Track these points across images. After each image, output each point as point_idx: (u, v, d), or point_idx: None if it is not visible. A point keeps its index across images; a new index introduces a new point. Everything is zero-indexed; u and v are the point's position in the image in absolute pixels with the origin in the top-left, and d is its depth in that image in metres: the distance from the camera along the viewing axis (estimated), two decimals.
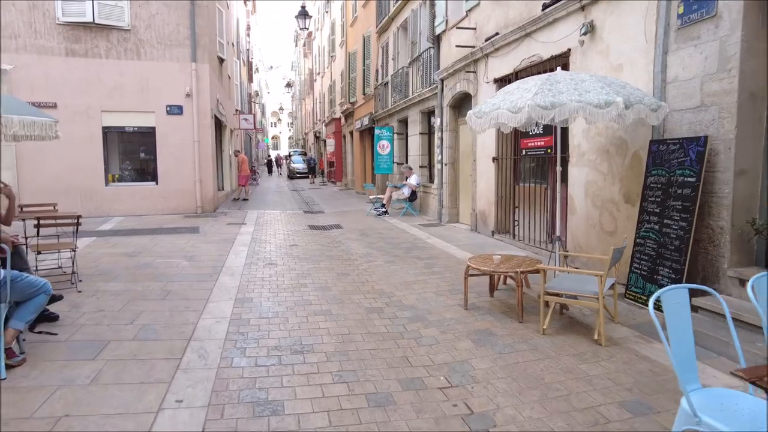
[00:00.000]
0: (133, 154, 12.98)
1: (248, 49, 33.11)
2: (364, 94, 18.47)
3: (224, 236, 9.20)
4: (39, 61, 11.58)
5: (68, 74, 11.79)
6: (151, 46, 12.37)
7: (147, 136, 12.74)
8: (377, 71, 16.79)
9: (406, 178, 12.45)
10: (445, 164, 10.76)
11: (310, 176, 32.10)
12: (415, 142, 13.13)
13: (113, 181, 12.68)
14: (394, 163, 15.16)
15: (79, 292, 5.24)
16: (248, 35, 34.50)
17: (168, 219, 11.73)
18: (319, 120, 35.88)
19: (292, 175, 34.01)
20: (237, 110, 22.28)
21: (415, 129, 13.07)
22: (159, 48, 12.43)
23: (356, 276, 6.24)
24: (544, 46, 6.93)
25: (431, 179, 12.66)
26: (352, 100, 20.74)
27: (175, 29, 12.51)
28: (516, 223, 7.95)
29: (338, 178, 26.04)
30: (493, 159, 8.49)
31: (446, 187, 10.73)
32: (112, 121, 12.34)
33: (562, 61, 6.54)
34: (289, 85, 29.16)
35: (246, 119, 21.18)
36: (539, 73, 6.96)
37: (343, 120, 24.09)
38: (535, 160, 7.69)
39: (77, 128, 11.96)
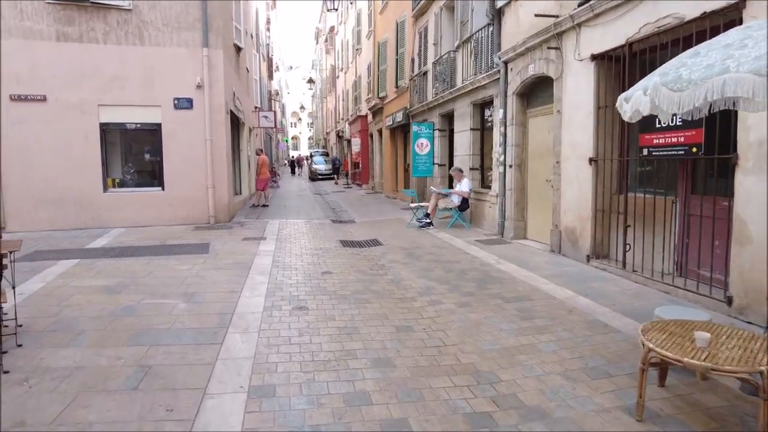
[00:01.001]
0: (135, 154, 11.24)
1: (268, 44, 31.44)
2: (396, 87, 16.49)
3: (239, 258, 7.32)
4: (25, 46, 9.88)
5: (60, 62, 10.07)
6: (156, 29, 10.58)
7: (152, 134, 10.97)
8: (413, 60, 14.79)
9: (455, 183, 10.43)
10: (509, 166, 8.70)
11: (334, 177, 30.40)
12: (463, 139, 11.10)
13: (113, 186, 10.94)
14: (434, 164, 13.14)
15: (6, 372, 3.37)
16: (268, 29, 32.85)
17: (175, 231, 9.92)
18: (342, 119, 34.06)
19: (314, 176, 32.22)
20: (256, 107, 20.52)
21: (463, 124, 11.04)
22: (165, 31, 10.64)
23: (424, 333, 4.26)
24: (685, 2, 4.85)
25: (484, 184, 10.61)
26: (381, 94, 18.79)
27: (184, 9, 10.71)
28: (628, 247, 5.86)
29: (364, 180, 24.12)
30: (591, 160, 6.43)
31: (511, 194, 8.68)
32: (111, 116, 10.59)
33: (723, 18, 4.46)
34: (311, 80, 27.35)
35: (266, 116, 19.41)
36: (673, 43, 4.90)
37: (370, 117, 22.15)
38: (661, 162, 5.61)
39: (70, 125, 10.24)
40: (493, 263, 6.93)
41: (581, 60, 6.53)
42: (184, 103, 10.86)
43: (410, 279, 6.13)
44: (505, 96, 8.75)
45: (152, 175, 11.18)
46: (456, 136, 11.55)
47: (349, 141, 30.69)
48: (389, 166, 18.46)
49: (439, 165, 12.92)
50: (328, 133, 47.07)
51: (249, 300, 5.17)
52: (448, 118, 12.66)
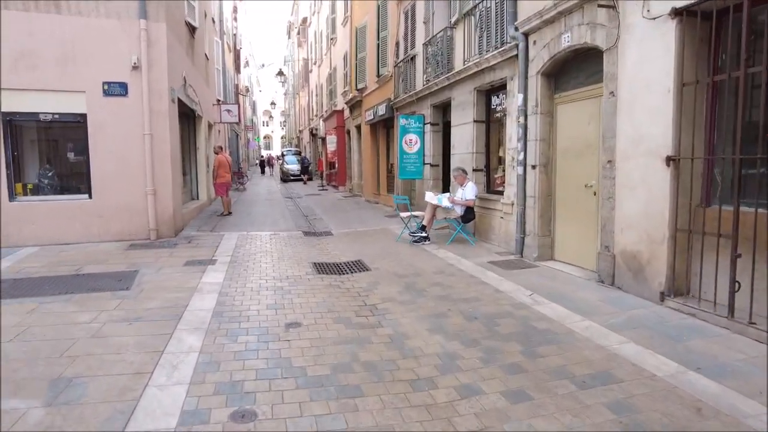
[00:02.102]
0: (54, 153, 8.94)
1: (235, 35, 29.03)
2: (378, 76, 14.48)
3: (170, 297, 5.20)
4: None
5: None
6: None
7: (74, 128, 8.71)
8: (397, 44, 12.81)
9: (453, 186, 8.50)
10: (532, 167, 6.80)
11: (302, 178, 28.47)
12: (463, 134, 9.17)
13: (24, 193, 8.62)
14: (425, 164, 11.19)
15: None
16: (235, 19, 30.43)
17: (101, 252, 7.70)
18: (316, 115, 31.87)
19: (286, 177, 29.94)
20: (219, 100, 18.23)
21: (463, 115, 9.11)
22: None
23: None
24: None
25: (490, 188, 8.71)
26: (360, 86, 16.75)
27: None
28: (738, 286, 3.99)
29: (341, 182, 22.04)
30: (668, 159, 4.55)
31: (534, 203, 6.78)
32: (19, 104, 8.28)
33: None
34: (280, 73, 25.08)
35: (228, 110, 17.16)
36: None
37: (347, 112, 20.08)
38: None
39: None
40: (527, 302, 4.99)
41: (653, 18, 4.64)
42: (115, 89, 8.62)
43: (418, 335, 4.14)
44: (525, 77, 6.84)
45: (76, 180, 8.91)
46: (454, 131, 9.61)
47: (323, 139, 28.52)
48: (370, 167, 16.44)
49: (432, 165, 10.97)
50: (301, 131, 44.74)
51: (160, 396, 3.08)
52: (443, 109, 10.72)
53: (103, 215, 8.73)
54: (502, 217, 7.78)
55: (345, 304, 5.07)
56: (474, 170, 8.64)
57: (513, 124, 7.30)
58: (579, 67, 6.17)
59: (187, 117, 13.27)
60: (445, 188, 10.79)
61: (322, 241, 8.96)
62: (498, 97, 8.30)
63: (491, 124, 8.70)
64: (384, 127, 14.91)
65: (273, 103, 42.19)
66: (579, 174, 6.16)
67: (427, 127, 11.00)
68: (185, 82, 10.96)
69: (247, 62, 48.49)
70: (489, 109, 8.67)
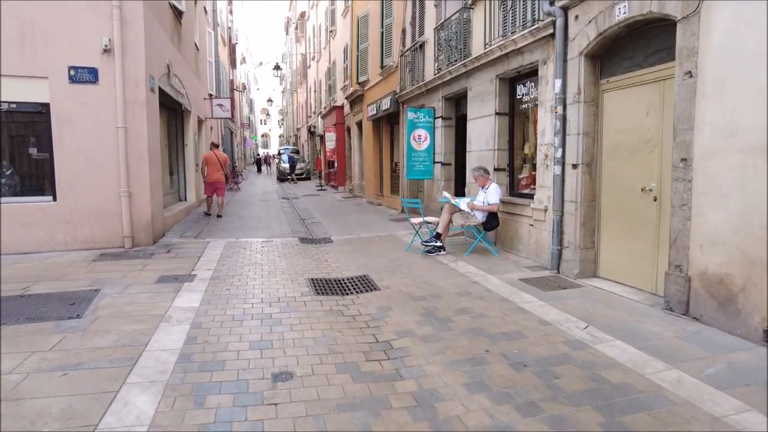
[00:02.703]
0: (12, 149, 7.80)
1: (230, 28, 27.90)
2: (381, 67, 13.37)
3: (127, 332, 4.08)
4: None
5: None
6: None
7: (35, 120, 7.59)
8: (404, 32, 11.71)
9: (469, 189, 7.41)
10: (573, 166, 5.71)
11: (291, 176, 27.59)
12: (482, 128, 8.08)
13: None
14: (435, 163, 10.09)
15: None
16: (230, 12, 29.30)
17: (61, 265, 6.57)
18: (314, 112, 30.75)
19: (283, 177, 28.80)
20: (211, 95, 17.11)
21: (482, 107, 8.01)
22: None
23: None
24: None
25: (514, 191, 7.61)
26: (361, 79, 15.64)
27: None
28: None
29: (340, 182, 20.92)
30: None
31: (576, 209, 5.68)
32: None
33: None
34: (277, 67, 23.97)
35: (221, 105, 16.05)
36: None
37: (347, 108, 18.97)
38: None
39: None
40: (584, 338, 3.90)
41: None
42: (84, 75, 7.50)
43: (453, 394, 3.05)
44: (564, 60, 5.75)
45: (38, 179, 7.78)
46: (470, 125, 8.50)
47: (321, 137, 27.41)
48: (372, 166, 15.33)
49: (443, 164, 9.86)
50: (298, 129, 43.60)
51: None
52: (456, 101, 9.63)
53: (69, 220, 7.60)
54: (531, 225, 6.68)
55: (351, 340, 3.97)
56: (495, 170, 7.54)
57: (547, 116, 6.21)
58: (634, 46, 5.07)
59: (174, 111, 12.16)
60: (458, 190, 9.71)
61: (320, 250, 7.85)
62: (525, 86, 7.20)
63: (515, 117, 7.60)
64: (388, 122, 13.80)
65: (270, 100, 41.02)
66: (632, 175, 5.07)
67: (438, 122, 9.90)
68: (169, 71, 9.84)
69: (243, 58, 47.36)
70: (513, 100, 7.57)
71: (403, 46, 11.75)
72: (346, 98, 18.29)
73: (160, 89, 9.13)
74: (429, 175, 10.12)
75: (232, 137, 28.81)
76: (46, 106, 7.40)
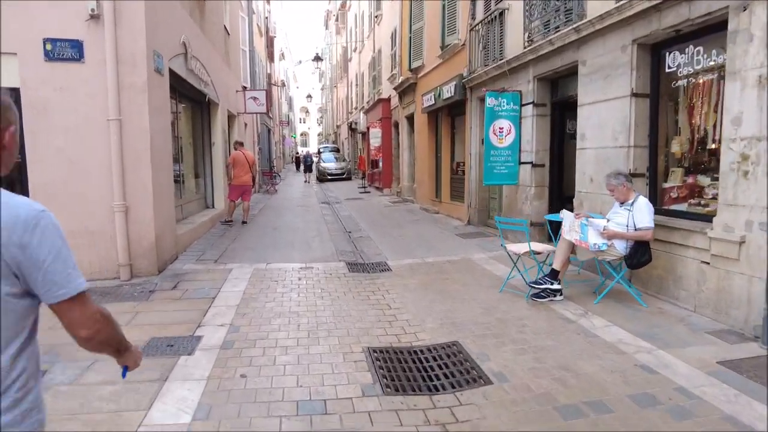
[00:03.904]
0: None
1: (267, 18, 26.22)
2: (442, 48, 11.11)
3: None
4: None
5: None
6: None
7: None
8: (473, 2, 9.41)
9: (616, 205, 5.05)
10: None
11: (306, 177, 27.05)
12: (607, 116, 5.75)
13: None
14: (521, 164, 7.77)
15: None
16: (268, 1, 27.63)
17: None
18: (356, 107, 28.77)
19: (323, 177, 26.95)
20: (244, 87, 15.28)
21: (607, 86, 5.68)
22: None
23: None
24: None
25: (657, 205, 5.21)
26: (414, 64, 13.42)
27: None
28: None
29: (386, 183, 18.79)
30: None
31: None
32: None
33: None
34: (318, 59, 22.13)
35: (255, 98, 14.18)
36: None
37: (395, 100, 16.78)
38: None
39: None
40: None
41: None
42: (64, 50, 5.62)
43: None
44: None
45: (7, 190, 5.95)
46: (583, 112, 6.16)
47: (364, 134, 25.40)
48: (426, 166, 13.10)
49: (534, 165, 7.54)
50: (338, 127, 41.82)
51: None
52: (553, 82, 7.31)
53: None
54: (706, 262, 4.31)
55: None
56: (628, 174, 5.16)
57: (746, 93, 3.84)
58: None
59: (197, 103, 10.32)
60: (557, 205, 7.40)
61: (377, 285, 5.71)
62: (683, 53, 4.81)
63: (660, 100, 5.22)
64: (448, 114, 11.53)
65: (309, 96, 39.48)
66: None
67: (527, 110, 7.58)
68: (186, 51, 7.92)
69: (282, 54, 45.97)
70: (658, 75, 5.19)
71: (473, 18, 9.46)
72: (394, 89, 16.11)
73: (172, 72, 7.21)
74: (513, 180, 7.81)
75: (269, 135, 27.16)
76: (15, 91, 5.54)
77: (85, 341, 1.34)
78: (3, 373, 1.21)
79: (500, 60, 8.22)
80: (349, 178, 27.37)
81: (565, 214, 4.95)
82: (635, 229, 4.59)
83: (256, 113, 16.07)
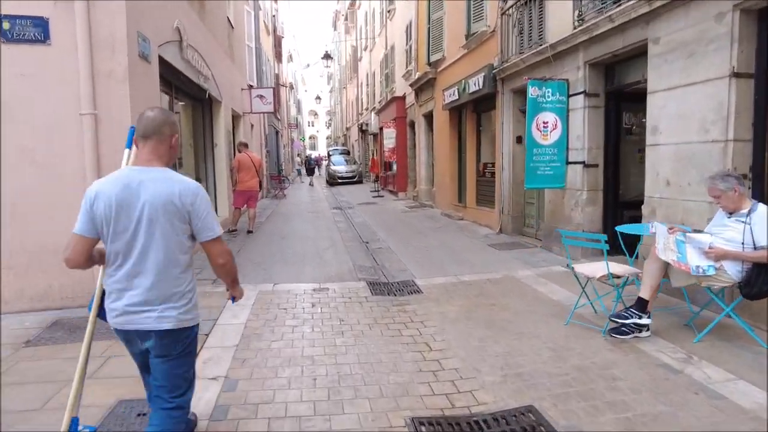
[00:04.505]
0: None
1: (274, 17, 25.30)
2: (467, 36, 10.04)
3: None
4: None
5: None
6: None
7: None
8: None
9: (721, 215, 3.92)
10: None
11: (310, 177, 27.38)
12: (691, 104, 4.67)
13: None
14: (569, 163, 6.67)
15: None
16: (275, 0, 26.73)
17: None
18: (366, 108, 27.75)
19: (333, 180, 25.94)
20: (250, 85, 14.31)
21: (691, 67, 4.60)
22: None
23: None
24: None
25: None
26: (434, 58, 12.35)
27: None
28: None
29: (400, 187, 17.73)
30: None
31: None
32: None
33: None
34: (327, 56, 21.19)
35: (261, 96, 13.21)
36: None
37: (410, 98, 15.71)
38: None
39: None
40: None
41: None
42: (26, 28, 4.63)
43: None
44: None
45: None
46: (656, 101, 5.05)
47: (375, 135, 24.37)
48: (448, 168, 12.02)
49: (586, 165, 6.43)
50: (348, 129, 40.81)
51: None
52: (607, 68, 6.21)
53: (11, 264, 4.76)
54: None
55: None
56: (740, 176, 4.04)
57: None
58: None
59: (198, 101, 9.36)
60: (611, 210, 6.32)
61: (408, 314, 4.64)
62: None
63: None
64: (474, 110, 10.45)
65: (318, 98, 38.57)
66: None
67: (576, 101, 6.49)
68: (181, 38, 6.92)
69: (290, 56, 45.12)
70: (767, 50, 4.09)
71: (504, 1, 8.38)
72: (410, 86, 15.05)
73: (164, 62, 6.21)
74: (559, 182, 6.71)
75: (277, 138, 26.21)
76: None
77: (220, 267, 2.15)
78: (183, 284, 2.05)
79: (541, 45, 7.13)
80: (360, 182, 26.35)
81: (657, 228, 3.83)
82: (754, 248, 3.48)
83: (263, 113, 15.09)
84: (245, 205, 9.37)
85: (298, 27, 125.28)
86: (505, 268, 6.35)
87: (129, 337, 2.07)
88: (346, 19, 35.76)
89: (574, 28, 6.27)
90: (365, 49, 27.38)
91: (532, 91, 6.55)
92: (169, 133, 2.10)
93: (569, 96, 6.60)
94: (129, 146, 2.32)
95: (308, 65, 74.40)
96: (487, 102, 9.54)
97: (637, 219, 5.96)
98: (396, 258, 7.33)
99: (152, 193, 1.95)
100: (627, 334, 3.84)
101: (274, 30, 25.77)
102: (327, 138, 73.27)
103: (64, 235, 2.12)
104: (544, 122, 6.62)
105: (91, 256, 2.06)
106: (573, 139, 6.60)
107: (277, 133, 25.46)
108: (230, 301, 2.45)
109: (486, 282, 5.75)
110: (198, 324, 2.19)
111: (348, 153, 32.14)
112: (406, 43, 16.01)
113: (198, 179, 9.84)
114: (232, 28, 12.09)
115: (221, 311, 4.69)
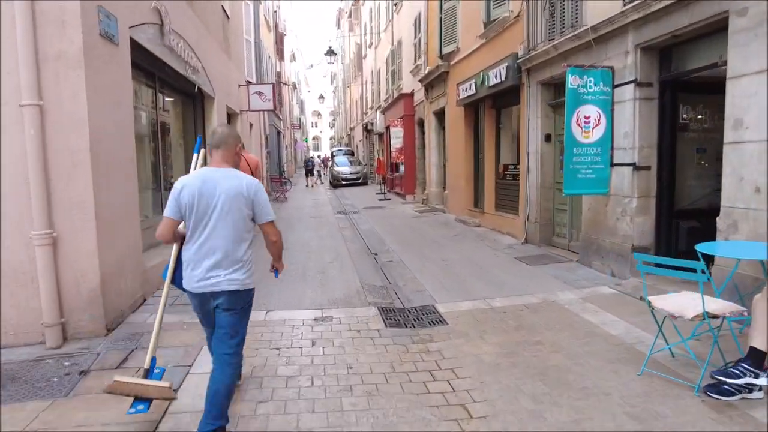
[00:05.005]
0: None
1: (276, 12, 24.38)
2: (486, 24, 9.05)
3: None
4: None
5: None
6: None
7: None
8: None
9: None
10: None
11: (308, 179, 26.54)
12: None
13: None
14: (614, 165, 5.67)
15: None
16: None
17: None
18: (371, 107, 26.80)
19: (336, 182, 24.97)
20: (248, 81, 13.37)
21: None
22: None
23: None
24: None
25: None
26: (447, 49, 11.38)
27: None
28: None
29: (408, 189, 16.74)
30: None
31: None
32: None
33: None
34: (331, 52, 20.27)
35: (260, 93, 12.28)
36: None
37: (419, 95, 14.72)
38: None
39: None
40: None
41: None
42: None
43: None
44: None
45: None
46: (743, 87, 4.06)
47: (381, 135, 23.40)
48: (463, 169, 11.03)
49: (636, 167, 5.44)
50: (352, 129, 39.89)
51: None
52: (663, 53, 5.22)
53: None
54: None
55: None
56: None
57: None
58: None
59: (188, 97, 8.43)
60: (665, 220, 5.35)
61: (433, 357, 3.68)
62: None
63: None
64: (493, 105, 9.47)
65: (321, 97, 37.60)
66: None
67: (624, 92, 5.50)
68: (162, 21, 5.97)
69: (293, 55, 44.20)
70: None
71: None
72: (419, 81, 14.06)
73: (139, 47, 5.26)
74: (602, 187, 5.72)
75: (279, 138, 25.28)
76: None
77: (273, 243, 2.73)
78: (246, 256, 2.60)
79: (578, 29, 6.14)
80: (365, 183, 25.38)
81: None
82: None
83: (262, 110, 14.14)
84: None
85: (301, 27, 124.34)
86: (542, 289, 5.37)
87: (203, 298, 2.58)
88: (350, 16, 34.83)
89: (624, 5, 5.28)
90: (370, 46, 26.42)
91: (573, 81, 5.56)
92: (234, 143, 2.69)
93: (614, 87, 5.60)
94: (197, 151, 3.16)
95: (311, 66, 73.44)
96: (509, 96, 8.56)
97: (698, 232, 4.99)
98: (410, 274, 6.36)
99: (226, 187, 2.51)
100: (732, 394, 2.86)
101: (276, 26, 24.86)
102: (330, 138, 72.36)
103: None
104: (585, 117, 5.62)
105: (174, 234, 2.64)
106: (619, 137, 5.61)
107: (278, 133, 24.52)
108: (273, 274, 2.99)
109: (523, 309, 4.77)
110: (254, 288, 2.73)
111: (352, 153, 31.18)
112: (415, 37, 15.04)
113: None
114: (228, 18, 11.15)
115: (198, 354, 3.72)
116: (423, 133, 15.20)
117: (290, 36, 37.47)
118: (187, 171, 8.88)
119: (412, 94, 15.90)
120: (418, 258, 7.32)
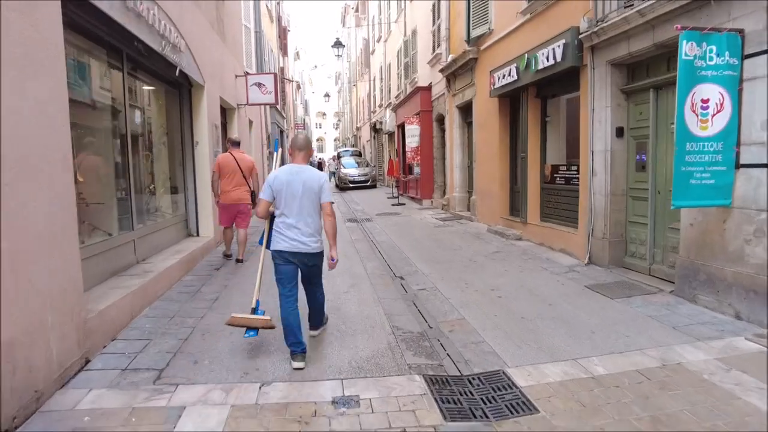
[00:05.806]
0: None
1: (278, 4, 22.88)
2: None
3: None
4: None
5: None
6: None
7: None
8: None
9: None
10: None
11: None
12: None
13: None
14: (741, 166, 4.07)
15: None
16: None
17: None
18: (380, 105, 25.26)
19: (344, 184, 23.43)
20: (247, 72, 11.85)
21: None
22: None
23: None
24: None
25: None
26: (476, 33, 9.81)
27: None
28: None
29: (425, 193, 15.16)
30: None
31: None
32: None
33: None
34: (338, 44, 18.76)
35: (260, 84, 10.75)
36: None
37: (442, 85, 13.11)
38: None
39: None
40: None
41: None
42: None
43: None
44: None
45: None
46: None
47: (391, 134, 21.83)
48: (496, 170, 9.45)
49: None
50: (358, 129, 38.33)
51: None
52: None
53: None
54: None
55: None
56: None
57: None
58: None
59: (174, 86, 6.99)
60: None
61: None
62: None
63: None
64: (537, 94, 7.91)
65: (327, 95, 36.11)
66: None
67: (757, 65, 3.92)
68: None
69: (297, 54, 42.77)
70: None
71: None
72: (440, 71, 12.47)
73: (84, 6, 3.73)
74: (723, 197, 4.14)
75: (282, 137, 23.75)
76: None
77: (327, 216, 3.65)
78: (319, 227, 3.65)
79: None
80: (374, 186, 23.84)
81: None
82: None
83: (262, 104, 12.62)
84: (234, 224, 6.91)
85: (305, 27, 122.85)
86: (649, 340, 3.80)
87: (291, 258, 3.57)
88: (356, 11, 33.33)
89: None
90: (378, 40, 24.88)
91: (687, 49, 3.99)
92: (310, 147, 3.87)
93: (743, 57, 4.03)
94: (276, 150, 4.68)
95: (315, 66, 71.95)
96: (562, 82, 7.00)
97: None
98: (454, 313, 4.80)
99: (305, 178, 3.56)
100: None
101: (279, 19, 23.37)
102: (335, 140, 70.87)
103: None
104: (703, 101, 4.06)
105: (267, 212, 3.74)
106: (749, 128, 4.03)
107: (282, 132, 23.00)
108: (330, 260, 3.73)
109: (642, 380, 3.19)
110: (323, 251, 3.77)
111: (360, 155, 29.66)
112: (433, 24, 13.49)
113: (173, 188, 7.42)
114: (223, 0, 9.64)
115: None
116: (443, 130, 13.63)
117: (294, 32, 36.08)
118: (176, 173, 7.40)
119: (429, 88, 14.32)
120: (457, 284, 5.75)
